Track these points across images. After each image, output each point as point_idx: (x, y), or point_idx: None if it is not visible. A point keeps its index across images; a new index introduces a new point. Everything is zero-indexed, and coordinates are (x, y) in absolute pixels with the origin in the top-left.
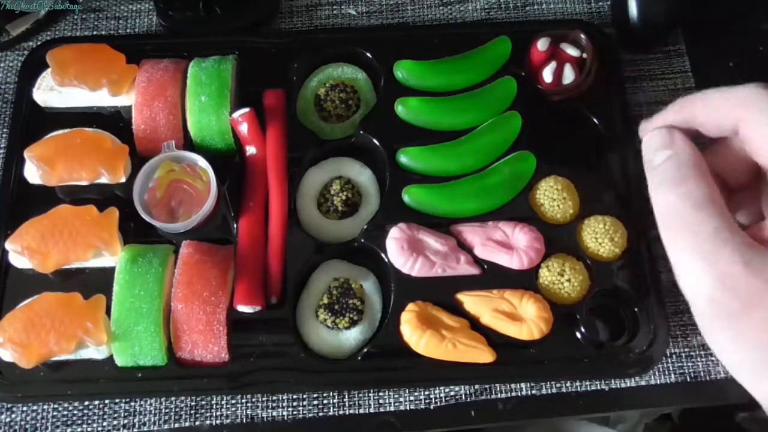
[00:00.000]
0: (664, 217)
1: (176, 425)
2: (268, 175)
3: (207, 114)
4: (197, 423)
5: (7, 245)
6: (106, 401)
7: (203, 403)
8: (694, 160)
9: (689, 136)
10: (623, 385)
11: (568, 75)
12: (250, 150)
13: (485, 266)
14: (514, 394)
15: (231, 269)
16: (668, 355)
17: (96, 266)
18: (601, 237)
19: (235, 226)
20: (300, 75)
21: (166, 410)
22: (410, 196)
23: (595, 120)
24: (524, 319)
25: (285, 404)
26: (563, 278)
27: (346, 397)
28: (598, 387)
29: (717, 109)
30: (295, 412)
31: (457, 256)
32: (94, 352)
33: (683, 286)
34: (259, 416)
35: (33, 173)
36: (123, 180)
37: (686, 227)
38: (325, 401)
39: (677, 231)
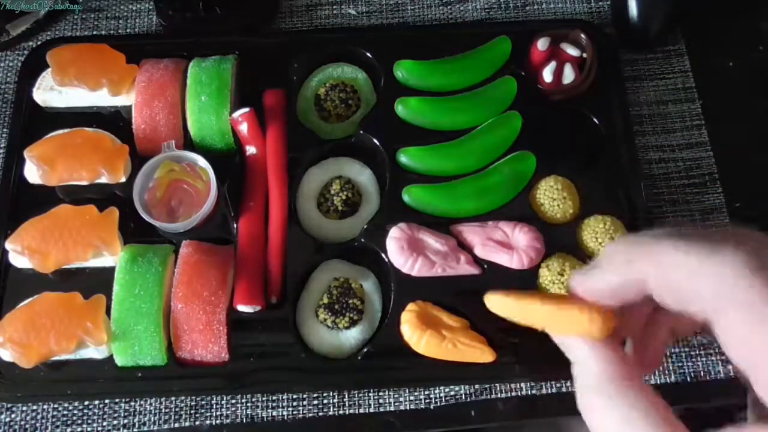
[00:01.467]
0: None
1: (176, 425)
2: (268, 175)
3: (207, 114)
4: (197, 423)
5: (7, 245)
6: (106, 401)
7: (203, 403)
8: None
9: (634, 300)
10: None
11: (568, 75)
12: (250, 150)
13: (485, 266)
14: (514, 394)
15: (231, 269)
16: (668, 355)
17: (96, 266)
18: (601, 237)
19: (235, 226)
20: (300, 75)
21: (166, 410)
22: (410, 196)
23: (595, 120)
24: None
25: (285, 404)
26: (563, 278)
27: (346, 397)
28: None
29: (680, 287)
30: (295, 412)
31: (457, 256)
32: (94, 351)
33: None
34: (259, 416)
35: (33, 173)
36: (123, 180)
37: None
38: (325, 401)
39: None
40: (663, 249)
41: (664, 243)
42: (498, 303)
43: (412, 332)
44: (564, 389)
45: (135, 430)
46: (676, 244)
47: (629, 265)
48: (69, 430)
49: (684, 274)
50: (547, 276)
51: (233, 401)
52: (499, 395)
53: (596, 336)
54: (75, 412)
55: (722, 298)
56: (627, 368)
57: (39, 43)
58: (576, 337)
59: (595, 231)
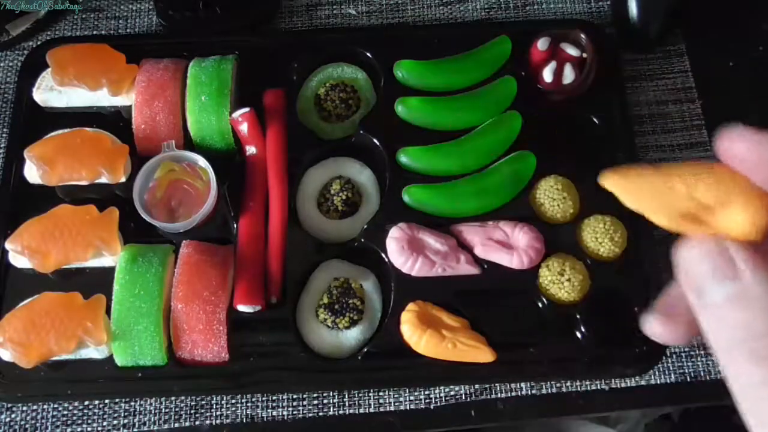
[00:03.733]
0: (744, 399)
1: (176, 425)
2: (268, 175)
3: (207, 114)
4: (197, 423)
5: (7, 245)
6: (106, 401)
7: (203, 403)
8: None
9: None
10: (623, 385)
11: (568, 75)
12: (250, 150)
13: (485, 266)
14: (514, 394)
15: (231, 269)
16: (668, 355)
17: (96, 266)
18: (601, 237)
19: (235, 226)
20: (300, 75)
21: (166, 410)
22: (410, 195)
23: (595, 120)
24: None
25: (285, 404)
26: (563, 278)
27: (346, 397)
28: (598, 387)
29: None
30: (295, 412)
31: (457, 256)
32: (94, 351)
33: None
34: (259, 416)
35: (33, 173)
36: (123, 180)
37: None
38: (325, 401)
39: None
40: None
41: None
42: (619, 184)
43: (412, 332)
44: (564, 389)
45: (135, 430)
46: None
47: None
48: (69, 430)
49: None
50: (547, 276)
51: (233, 401)
52: (499, 395)
53: (756, 235)
54: (75, 412)
55: None
56: None
57: (39, 43)
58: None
59: (595, 231)
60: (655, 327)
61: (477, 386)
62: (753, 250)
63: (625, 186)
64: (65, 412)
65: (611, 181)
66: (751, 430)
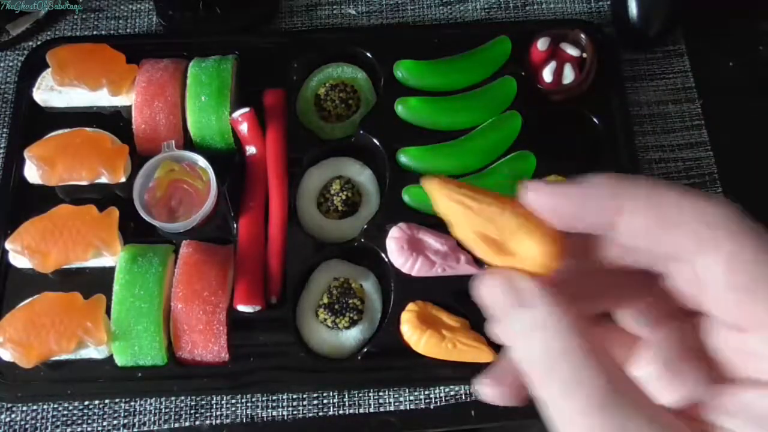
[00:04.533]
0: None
1: (176, 425)
2: (268, 175)
3: (207, 114)
4: (197, 423)
5: (7, 245)
6: (106, 401)
7: (203, 403)
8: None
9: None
10: None
11: (568, 75)
12: (250, 150)
13: (485, 266)
14: None
15: (231, 269)
16: None
17: (96, 266)
18: None
19: (235, 226)
20: (300, 75)
21: (166, 410)
22: (410, 196)
23: (595, 120)
24: (515, 255)
25: (285, 404)
26: None
27: (346, 397)
28: None
29: (664, 222)
30: (295, 412)
31: (457, 256)
32: (94, 351)
33: None
34: (259, 416)
35: (33, 173)
36: (123, 180)
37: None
38: (325, 401)
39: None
40: (658, 187)
41: (661, 184)
42: (435, 189)
43: (412, 332)
44: None
45: (135, 430)
46: (672, 186)
47: (614, 189)
48: (69, 430)
49: (674, 209)
50: None
51: (233, 401)
52: None
53: (548, 265)
54: (75, 412)
55: (709, 240)
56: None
57: (39, 43)
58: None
59: None
60: (485, 389)
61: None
62: (542, 281)
63: (439, 193)
64: (65, 412)
65: (429, 185)
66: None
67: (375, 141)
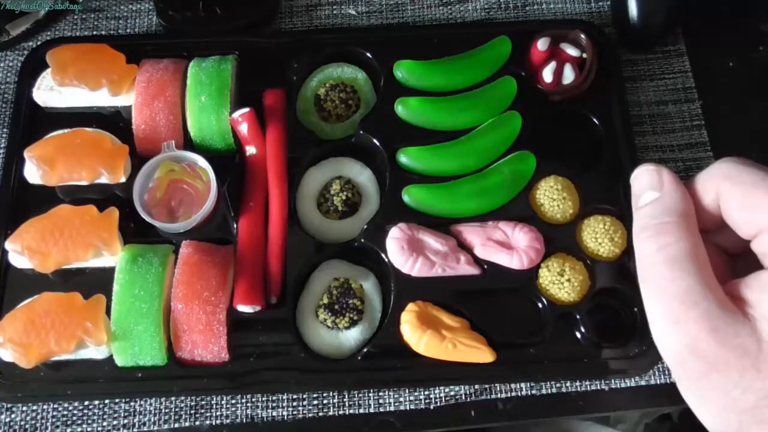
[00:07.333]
0: (640, 268)
1: (176, 425)
2: (268, 175)
3: (207, 114)
4: (197, 423)
5: (7, 245)
6: (106, 401)
7: (203, 403)
8: (680, 209)
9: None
10: (623, 385)
11: (568, 75)
12: (250, 150)
13: (485, 266)
14: (514, 394)
15: (231, 269)
16: None
17: (96, 266)
18: (601, 237)
19: (235, 226)
20: (300, 75)
21: (166, 410)
22: (410, 196)
23: (595, 120)
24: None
25: (285, 404)
26: (563, 278)
27: (346, 397)
28: (598, 387)
29: (702, 188)
30: (295, 412)
31: (457, 256)
32: (94, 352)
33: (655, 340)
34: (259, 416)
35: (33, 173)
36: (123, 180)
37: (659, 283)
38: (325, 401)
39: (650, 285)
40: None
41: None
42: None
43: (412, 332)
44: (564, 389)
45: (135, 430)
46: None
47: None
48: (69, 430)
49: (702, 179)
50: (547, 276)
51: (233, 401)
52: (499, 395)
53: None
54: (75, 412)
55: (725, 182)
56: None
57: (39, 43)
58: None
59: (595, 231)
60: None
61: (477, 386)
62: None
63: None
64: (65, 412)
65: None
66: (643, 295)
67: (375, 141)
